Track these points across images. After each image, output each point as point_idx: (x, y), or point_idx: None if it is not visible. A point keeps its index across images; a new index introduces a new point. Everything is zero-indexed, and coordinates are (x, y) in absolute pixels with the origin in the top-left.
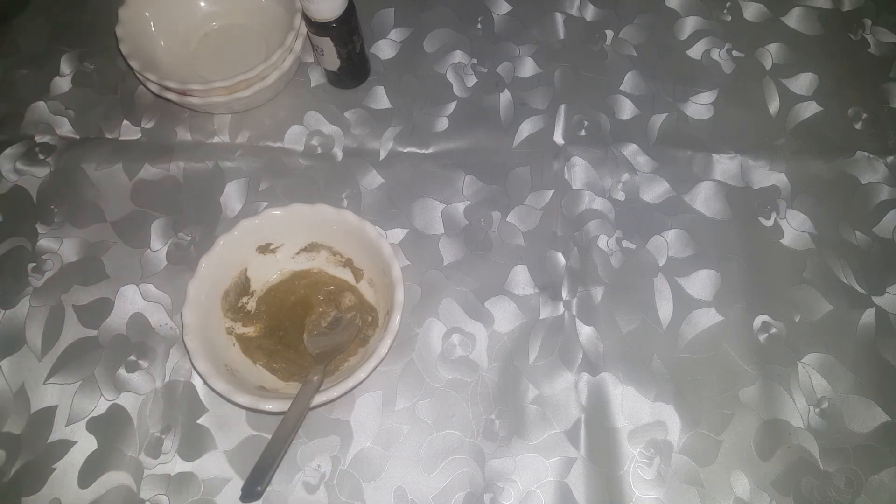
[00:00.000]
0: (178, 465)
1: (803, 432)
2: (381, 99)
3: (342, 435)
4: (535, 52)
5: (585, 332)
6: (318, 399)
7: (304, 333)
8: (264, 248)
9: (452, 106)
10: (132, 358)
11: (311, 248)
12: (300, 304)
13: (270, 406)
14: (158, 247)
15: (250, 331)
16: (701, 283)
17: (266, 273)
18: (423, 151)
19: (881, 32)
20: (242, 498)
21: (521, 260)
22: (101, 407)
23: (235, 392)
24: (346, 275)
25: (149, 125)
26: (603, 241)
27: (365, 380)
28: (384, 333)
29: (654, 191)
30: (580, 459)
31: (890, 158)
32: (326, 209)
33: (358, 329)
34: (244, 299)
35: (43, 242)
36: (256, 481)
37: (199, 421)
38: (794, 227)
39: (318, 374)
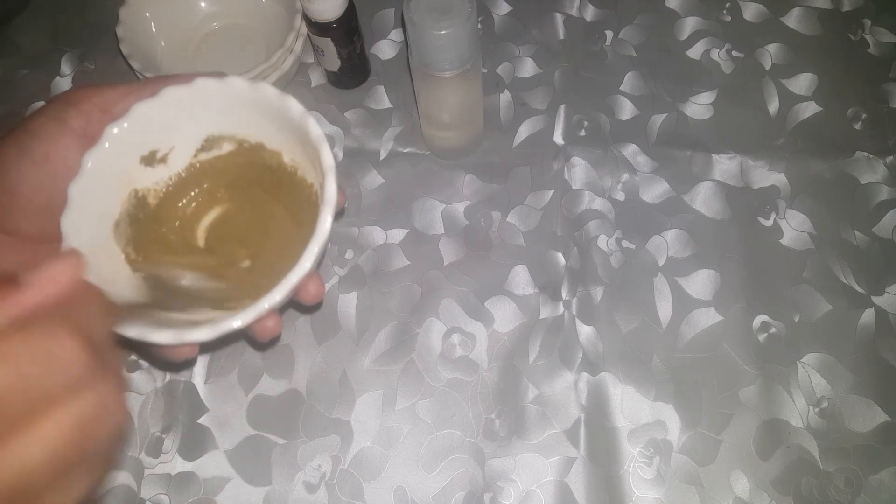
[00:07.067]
0: (178, 465)
1: (803, 432)
2: (381, 99)
3: (342, 434)
4: (535, 52)
5: (585, 331)
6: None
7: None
8: (150, 159)
9: None
10: (132, 357)
11: (210, 144)
12: (256, 220)
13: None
14: None
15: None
16: (701, 283)
17: (161, 187)
18: (423, 152)
19: (881, 32)
20: None
21: (521, 260)
22: None
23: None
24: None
25: None
26: (603, 241)
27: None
28: (323, 205)
29: (654, 191)
30: (580, 459)
31: (890, 158)
32: (236, 83)
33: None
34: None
35: None
36: None
37: (199, 420)
38: (793, 227)
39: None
